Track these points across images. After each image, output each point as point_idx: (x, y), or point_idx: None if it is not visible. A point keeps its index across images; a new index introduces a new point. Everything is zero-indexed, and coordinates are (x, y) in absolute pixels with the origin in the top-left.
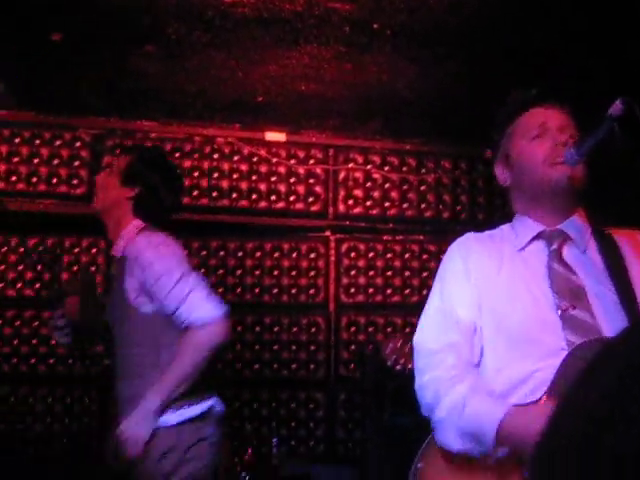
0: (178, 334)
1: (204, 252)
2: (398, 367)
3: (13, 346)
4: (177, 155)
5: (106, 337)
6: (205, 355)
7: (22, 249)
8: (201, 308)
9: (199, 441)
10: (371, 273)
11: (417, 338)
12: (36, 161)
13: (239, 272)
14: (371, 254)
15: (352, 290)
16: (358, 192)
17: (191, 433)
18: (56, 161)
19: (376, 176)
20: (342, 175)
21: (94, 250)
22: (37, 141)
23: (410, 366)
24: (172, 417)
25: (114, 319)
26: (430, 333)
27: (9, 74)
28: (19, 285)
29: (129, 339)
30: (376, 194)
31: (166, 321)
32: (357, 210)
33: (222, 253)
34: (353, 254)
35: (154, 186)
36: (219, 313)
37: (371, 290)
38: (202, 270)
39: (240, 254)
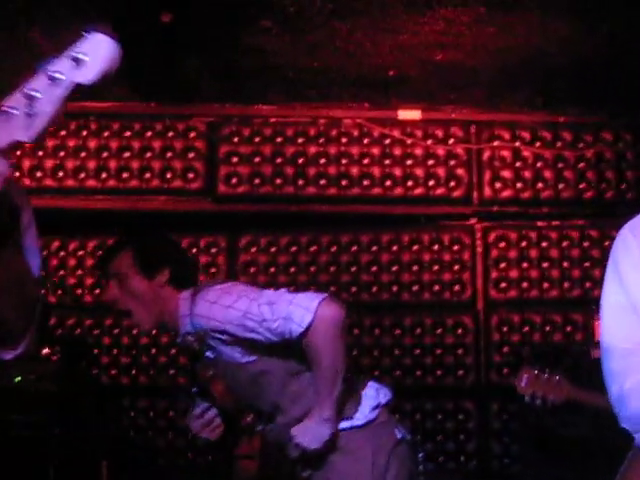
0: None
1: (334, 247)
2: (537, 402)
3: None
4: (300, 141)
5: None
6: (335, 343)
7: None
8: (295, 316)
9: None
10: (524, 265)
11: (605, 338)
12: (148, 155)
13: (374, 269)
14: (523, 243)
15: (503, 285)
16: (506, 173)
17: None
18: (169, 154)
19: (526, 154)
20: (487, 154)
21: (214, 249)
22: (148, 133)
23: (552, 397)
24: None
25: (243, 389)
26: (619, 331)
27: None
28: None
29: (269, 386)
30: (527, 174)
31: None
32: (505, 194)
33: (354, 248)
34: (503, 244)
35: (174, 254)
36: (313, 306)
37: (525, 284)
38: (332, 268)
39: (374, 248)
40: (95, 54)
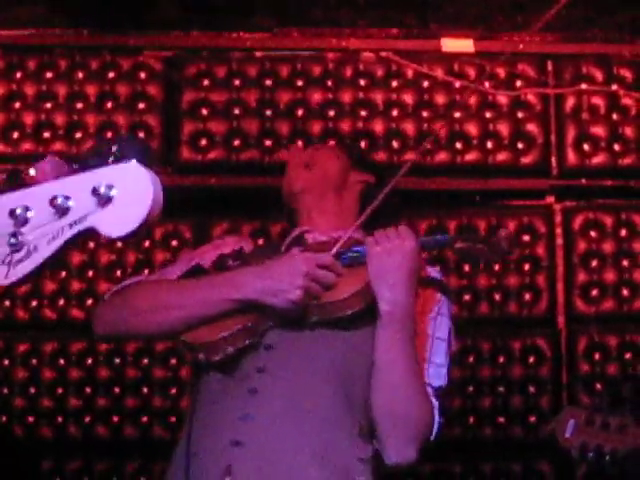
0: None
1: None
2: (590, 455)
3: None
4: (299, 84)
5: None
6: None
7: None
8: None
9: None
10: (624, 263)
11: None
12: (79, 105)
13: None
14: (623, 232)
15: (594, 293)
16: (598, 130)
17: None
18: (109, 104)
19: (628, 102)
20: (570, 103)
21: (174, 242)
22: (79, 74)
23: (609, 448)
24: None
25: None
26: None
27: None
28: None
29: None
30: (629, 132)
31: None
32: (597, 160)
33: None
34: (594, 233)
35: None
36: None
37: (626, 292)
38: None
39: None
40: (129, 194)
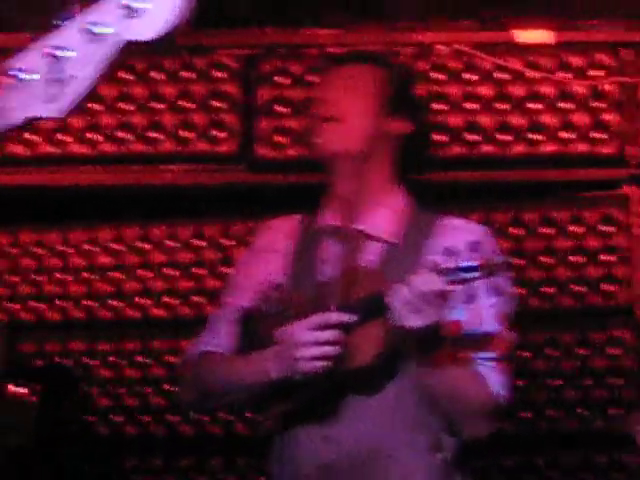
0: None
1: None
2: None
3: None
4: None
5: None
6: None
7: None
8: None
9: None
10: None
11: None
12: (156, 106)
13: None
14: None
15: None
16: None
17: None
18: (186, 103)
19: None
20: None
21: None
22: (155, 74)
23: None
24: None
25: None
26: None
27: None
28: None
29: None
30: None
31: None
32: None
33: None
34: None
35: (425, 125)
36: None
37: None
38: None
39: None
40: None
